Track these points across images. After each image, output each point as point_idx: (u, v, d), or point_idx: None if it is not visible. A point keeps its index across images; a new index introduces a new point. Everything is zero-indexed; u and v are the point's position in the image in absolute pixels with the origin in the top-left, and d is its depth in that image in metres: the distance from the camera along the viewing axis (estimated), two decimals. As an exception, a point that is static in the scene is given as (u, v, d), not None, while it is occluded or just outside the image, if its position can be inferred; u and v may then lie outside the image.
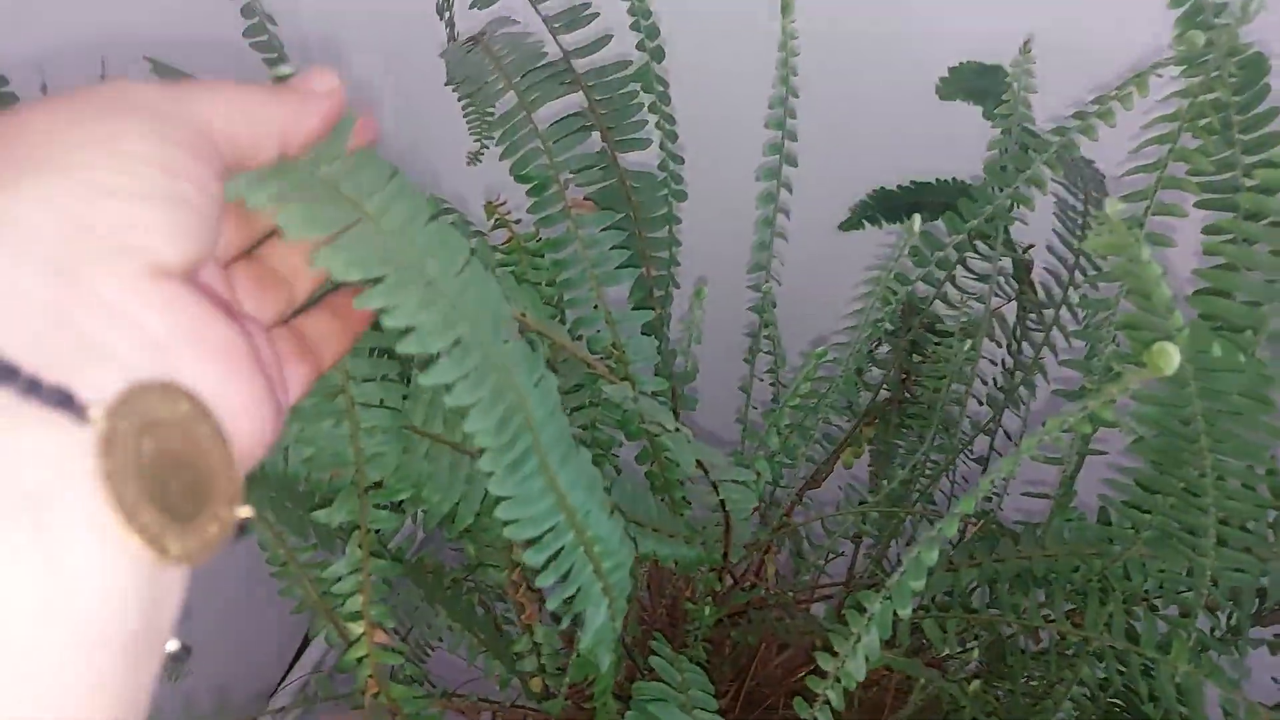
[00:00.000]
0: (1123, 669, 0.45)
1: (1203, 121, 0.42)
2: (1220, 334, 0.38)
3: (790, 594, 0.66)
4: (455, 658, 0.61)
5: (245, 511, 0.22)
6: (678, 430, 0.44)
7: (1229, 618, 0.53)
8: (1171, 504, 0.41)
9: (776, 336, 0.66)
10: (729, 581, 0.64)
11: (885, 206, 0.74)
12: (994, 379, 0.67)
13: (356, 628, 0.47)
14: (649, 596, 0.66)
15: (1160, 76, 0.42)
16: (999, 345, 0.66)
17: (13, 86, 0.46)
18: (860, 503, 0.65)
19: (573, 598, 0.40)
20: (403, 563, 0.51)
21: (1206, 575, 0.41)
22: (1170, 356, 0.28)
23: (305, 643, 1.01)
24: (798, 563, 0.68)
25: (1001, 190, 0.51)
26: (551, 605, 0.39)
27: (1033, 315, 0.65)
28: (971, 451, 0.69)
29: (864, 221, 0.74)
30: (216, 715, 0.52)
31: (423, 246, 0.29)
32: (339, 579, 0.45)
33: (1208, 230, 0.43)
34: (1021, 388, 0.64)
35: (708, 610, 0.55)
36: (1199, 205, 0.45)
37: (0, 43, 0.41)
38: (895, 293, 0.54)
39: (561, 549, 0.38)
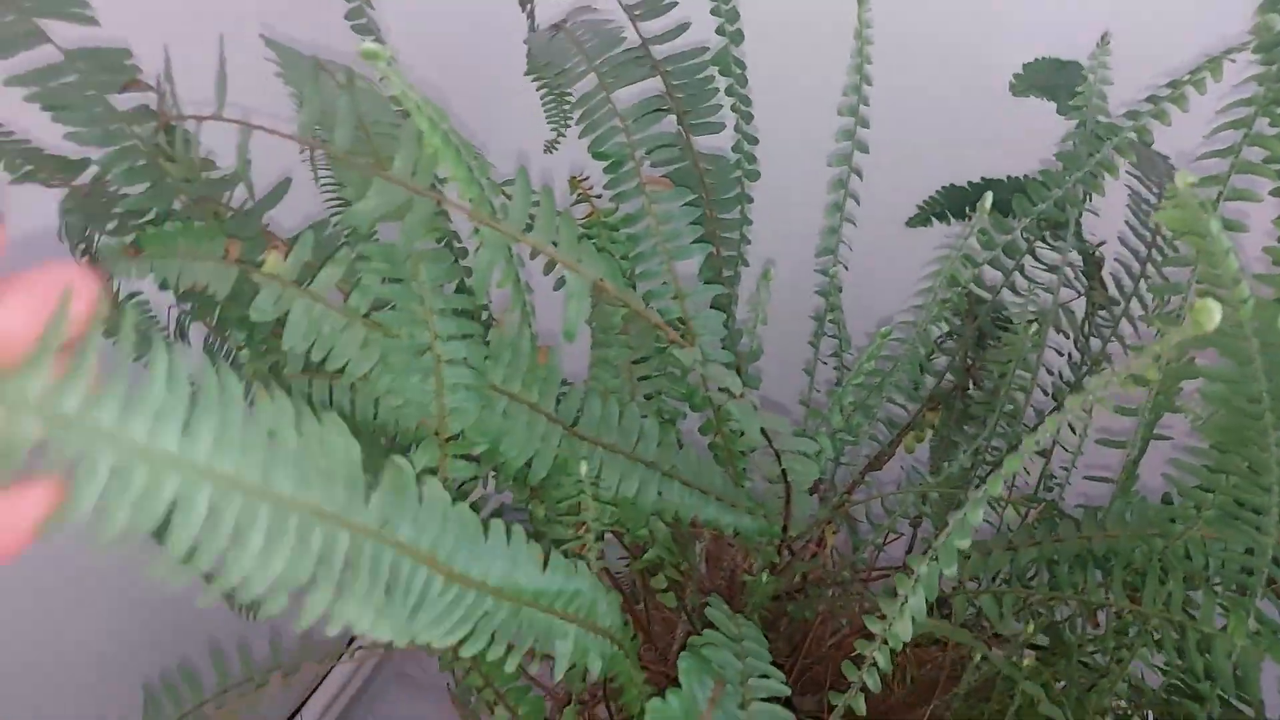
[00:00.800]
0: (1179, 650, 0.45)
1: None
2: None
3: (846, 572, 0.67)
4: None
5: None
6: (743, 396, 0.46)
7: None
8: (1235, 483, 0.41)
9: (841, 321, 0.67)
10: (787, 556, 0.66)
11: (954, 203, 0.74)
12: (1059, 371, 0.67)
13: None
14: (706, 568, 0.68)
15: (1234, 61, 0.43)
16: (1066, 336, 0.66)
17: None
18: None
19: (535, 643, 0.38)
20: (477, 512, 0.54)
21: (1268, 554, 0.41)
22: (1211, 313, 0.27)
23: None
24: (856, 542, 0.69)
25: (1071, 175, 0.51)
26: (509, 668, 0.37)
27: (1102, 312, 0.65)
28: (1035, 442, 0.69)
29: (931, 218, 0.75)
30: (301, 653, 0.56)
31: (272, 466, 0.23)
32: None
33: (1281, 217, 0.44)
34: (1088, 378, 0.64)
35: (765, 578, 0.57)
36: (1275, 194, 0.46)
37: (121, 27, 0.45)
38: (962, 273, 0.54)
39: (500, 624, 0.35)
